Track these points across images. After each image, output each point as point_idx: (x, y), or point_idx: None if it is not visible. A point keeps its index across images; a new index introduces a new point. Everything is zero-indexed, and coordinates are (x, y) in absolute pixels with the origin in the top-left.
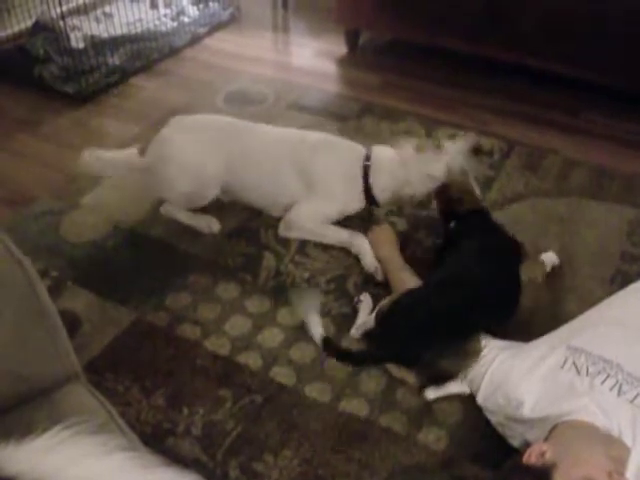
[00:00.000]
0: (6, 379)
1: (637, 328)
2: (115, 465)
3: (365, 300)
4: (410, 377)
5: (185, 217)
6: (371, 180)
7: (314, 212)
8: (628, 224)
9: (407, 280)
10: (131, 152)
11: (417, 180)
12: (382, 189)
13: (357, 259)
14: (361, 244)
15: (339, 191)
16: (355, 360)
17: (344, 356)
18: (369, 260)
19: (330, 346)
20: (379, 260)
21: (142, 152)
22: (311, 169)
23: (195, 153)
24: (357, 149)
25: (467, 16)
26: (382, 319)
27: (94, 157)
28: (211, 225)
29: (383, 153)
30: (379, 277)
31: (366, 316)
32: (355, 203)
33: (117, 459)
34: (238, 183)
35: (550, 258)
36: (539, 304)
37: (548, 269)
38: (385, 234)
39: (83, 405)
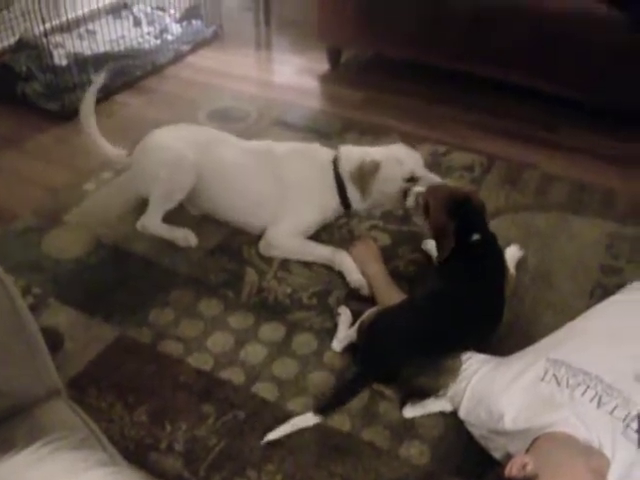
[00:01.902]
0: None
1: (616, 340)
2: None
3: (344, 313)
4: (390, 391)
5: (162, 230)
6: (346, 183)
7: (292, 227)
8: (607, 237)
9: (393, 296)
10: (118, 151)
11: (389, 177)
12: (353, 190)
13: (339, 274)
14: (343, 260)
15: (314, 197)
16: (348, 398)
17: (339, 403)
18: (355, 277)
19: (326, 408)
20: (364, 275)
21: (129, 155)
22: (284, 179)
23: (173, 142)
24: (325, 152)
25: (448, 33)
26: (364, 333)
27: (94, 137)
28: (189, 238)
29: (352, 153)
30: (365, 292)
31: (346, 330)
32: (331, 207)
33: (97, 474)
34: (209, 195)
35: (513, 253)
36: (518, 318)
37: (513, 265)
38: (368, 249)
39: (64, 421)
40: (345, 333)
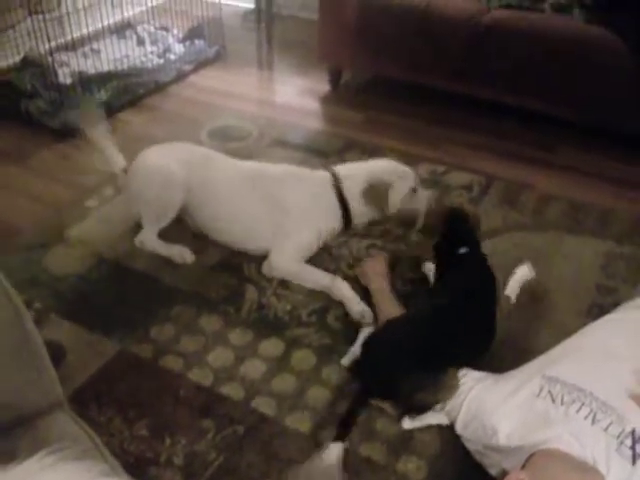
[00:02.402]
0: None
1: (610, 357)
2: None
3: (363, 332)
4: (388, 407)
5: (159, 247)
6: (350, 201)
7: (294, 251)
8: (603, 257)
9: (393, 312)
10: (121, 164)
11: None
12: (359, 207)
13: None
14: (342, 289)
15: (314, 219)
16: (353, 420)
17: (344, 427)
18: (355, 308)
19: (342, 434)
20: (369, 290)
21: (125, 171)
22: (281, 202)
23: (161, 161)
24: (321, 173)
25: (448, 55)
26: (363, 349)
27: (102, 137)
28: (185, 256)
29: (352, 172)
30: (368, 321)
31: (359, 347)
32: (332, 227)
33: None
34: (202, 217)
35: (523, 273)
36: (515, 336)
37: (519, 285)
38: (377, 264)
39: (66, 432)
40: (355, 349)
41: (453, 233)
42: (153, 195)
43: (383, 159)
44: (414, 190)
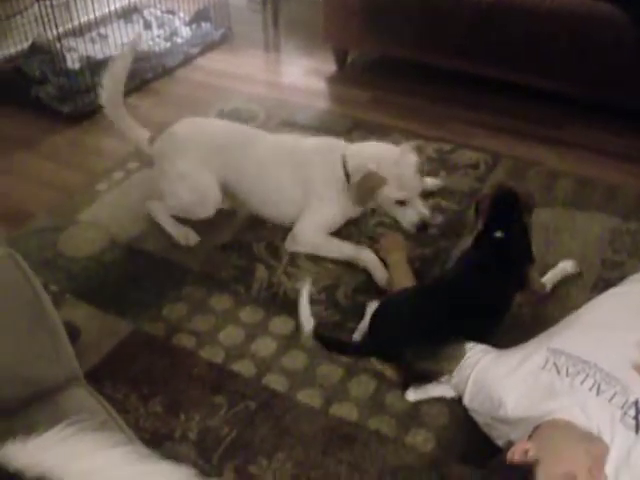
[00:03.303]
0: (12, 382)
1: (614, 329)
2: (115, 458)
3: (372, 306)
4: (392, 374)
5: (166, 223)
6: (349, 169)
7: (316, 224)
8: (610, 232)
9: (406, 284)
10: (143, 135)
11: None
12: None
13: (347, 270)
14: (368, 258)
15: (332, 194)
16: (342, 349)
17: (333, 345)
18: (380, 274)
19: (321, 336)
20: (387, 264)
21: (151, 141)
22: (306, 177)
23: (195, 162)
24: (339, 149)
25: (453, 34)
26: (372, 315)
27: (114, 105)
28: (189, 237)
29: (358, 153)
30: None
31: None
32: (350, 208)
33: (117, 453)
34: (240, 188)
35: (564, 266)
36: (522, 310)
37: (558, 277)
38: (396, 240)
39: (84, 406)
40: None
41: (493, 216)
42: (185, 202)
43: (403, 146)
44: (402, 203)
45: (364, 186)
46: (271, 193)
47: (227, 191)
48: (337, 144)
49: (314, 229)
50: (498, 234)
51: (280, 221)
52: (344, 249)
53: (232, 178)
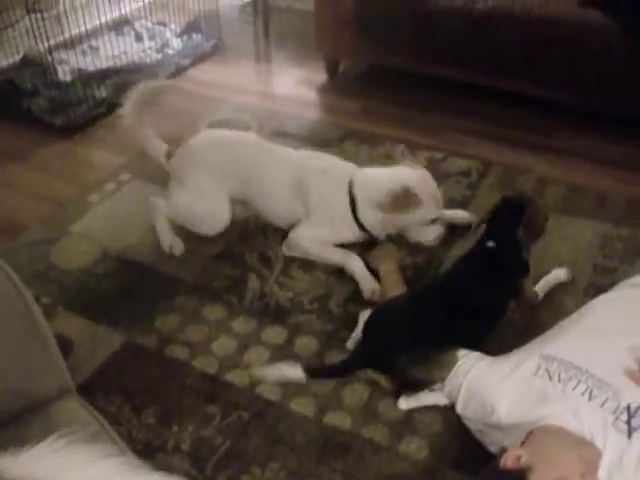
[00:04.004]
0: (3, 394)
1: (605, 335)
2: (108, 470)
3: (363, 315)
4: (386, 383)
5: (160, 225)
6: (358, 206)
7: (312, 235)
8: (600, 238)
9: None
10: (161, 149)
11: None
12: (368, 215)
13: (339, 279)
14: (356, 266)
15: (334, 217)
16: (339, 373)
17: (328, 373)
18: (365, 285)
19: (313, 371)
20: (378, 273)
21: (169, 155)
22: (308, 193)
23: (211, 178)
24: (343, 172)
25: (444, 42)
26: (365, 323)
27: (136, 116)
28: (174, 246)
29: (371, 178)
30: (377, 299)
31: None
32: (349, 233)
33: (109, 464)
34: (254, 198)
35: (557, 274)
36: (514, 317)
37: (550, 284)
38: (388, 250)
39: (76, 417)
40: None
41: (490, 226)
42: (197, 222)
43: (420, 167)
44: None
45: (399, 205)
46: (277, 203)
47: (241, 200)
48: (344, 167)
49: (308, 239)
50: (490, 244)
51: (287, 227)
52: (334, 255)
53: (244, 189)
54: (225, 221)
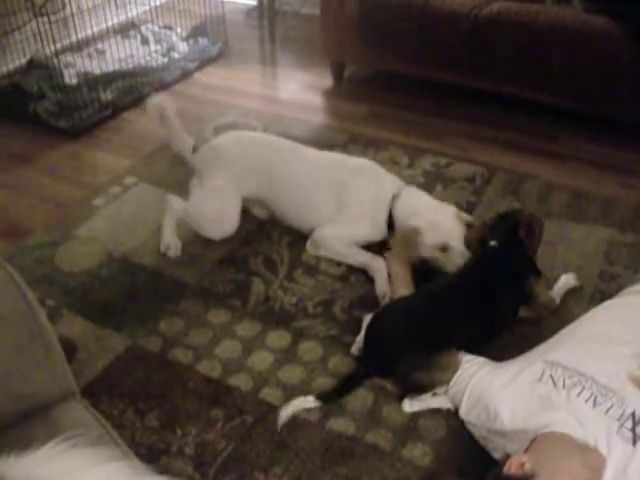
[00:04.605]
0: (7, 397)
1: (610, 341)
2: (111, 473)
3: (368, 319)
4: (389, 385)
5: (167, 224)
6: (395, 215)
7: (339, 234)
8: (606, 244)
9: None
10: (188, 143)
11: (436, 233)
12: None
13: (343, 284)
14: (378, 268)
15: (366, 217)
16: (348, 390)
17: (340, 392)
18: (381, 285)
19: (326, 396)
20: (389, 274)
21: (194, 150)
22: (346, 191)
23: (228, 179)
24: (393, 181)
25: (449, 48)
26: (368, 325)
27: (159, 109)
28: (170, 247)
29: (415, 195)
30: (384, 302)
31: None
32: (379, 232)
33: (111, 468)
34: (277, 198)
35: (567, 280)
36: (519, 323)
37: (562, 291)
38: (402, 253)
39: (80, 420)
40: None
41: (492, 229)
42: (206, 223)
43: (450, 206)
44: (444, 248)
45: (405, 240)
46: (305, 206)
47: (259, 201)
48: (383, 174)
49: (335, 238)
50: (492, 243)
51: (307, 230)
52: (359, 257)
53: (266, 193)
54: (233, 225)
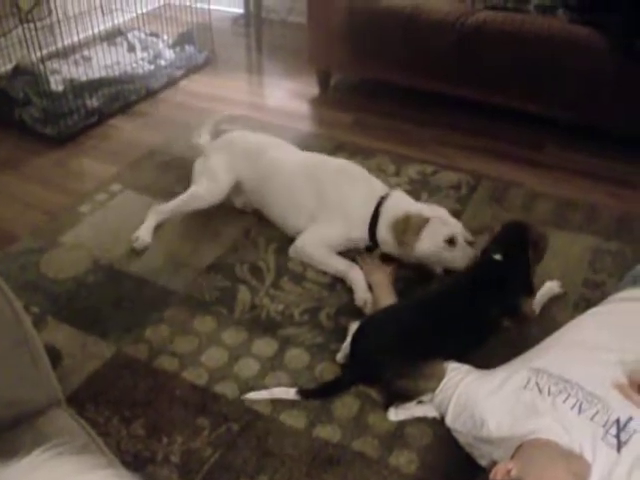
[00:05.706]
0: None
1: (595, 349)
2: None
3: (354, 326)
4: (374, 393)
5: (146, 220)
6: (380, 220)
7: (319, 238)
8: (590, 252)
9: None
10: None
11: (434, 234)
12: (386, 233)
13: (330, 291)
14: (355, 277)
15: (348, 218)
16: (331, 391)
17: (322, 394)
18: (360, 294)
19: (308, 394)
20: (370, 284)
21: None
22: (327, 190)
23: (224, 161)
24: (377, 185)
25: (435, 57)
26: (354, 333)
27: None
28: (139, 239)
29: (402, 200)
30: (367, 310)
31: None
32: (359, 235)
33: (97, 476)
34: (262, 194)
35: (551, 287)
36: (504, 331)
37: (546, 298)
38: (379, 262)
39: (65, 429)
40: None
41: (499, 240)
42: (206, 177)
43: (440, 208)
44: (451, 241)
45: (406, 226)
46: (287, 203)
47: (245, 193)
48: (367, 175)
49: (316, 243)
50: (497, 256)
51: (289, 230)
52: (337, 265)
53: (254, 184)
54: (222, 191)
